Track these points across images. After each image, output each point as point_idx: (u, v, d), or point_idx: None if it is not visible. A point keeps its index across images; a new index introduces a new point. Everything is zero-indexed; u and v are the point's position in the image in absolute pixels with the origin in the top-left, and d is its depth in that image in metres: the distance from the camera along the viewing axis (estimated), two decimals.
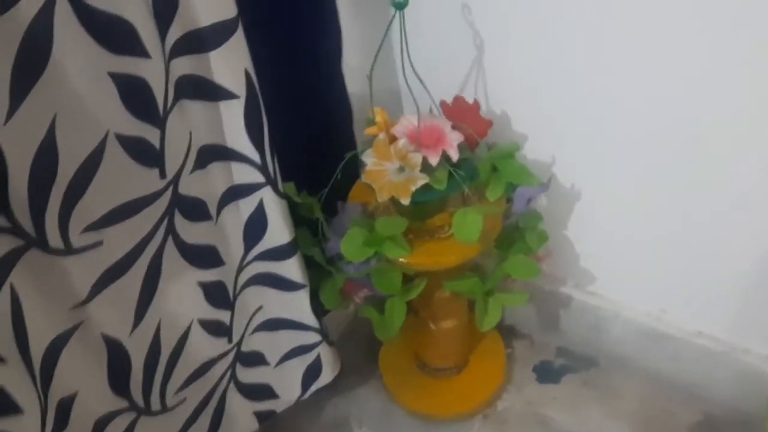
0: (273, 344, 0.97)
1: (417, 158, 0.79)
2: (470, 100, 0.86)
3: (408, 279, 0.91)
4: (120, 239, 0.68)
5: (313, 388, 1.04)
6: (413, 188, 0.80)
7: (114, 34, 0.56)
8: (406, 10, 0.71)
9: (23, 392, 0.61)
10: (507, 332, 1.24)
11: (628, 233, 0.98)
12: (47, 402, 0.64)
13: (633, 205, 0.95)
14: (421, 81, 0.79)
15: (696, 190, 0.88)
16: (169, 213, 0.71)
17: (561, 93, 0.89)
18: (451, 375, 1.16)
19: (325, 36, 0.93)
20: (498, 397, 1.15)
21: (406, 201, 0.80)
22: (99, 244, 0.66)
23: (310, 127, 0.97)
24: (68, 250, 0.63)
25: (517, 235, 0.91)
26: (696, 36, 0.75)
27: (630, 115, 0.86)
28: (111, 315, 0.70)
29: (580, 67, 0.85)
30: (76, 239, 0.63)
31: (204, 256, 0.79)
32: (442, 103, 0.87)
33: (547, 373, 1.18)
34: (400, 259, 0.85)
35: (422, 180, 0.79)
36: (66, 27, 0.53)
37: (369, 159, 0.81)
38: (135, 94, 0.61)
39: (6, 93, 0.51)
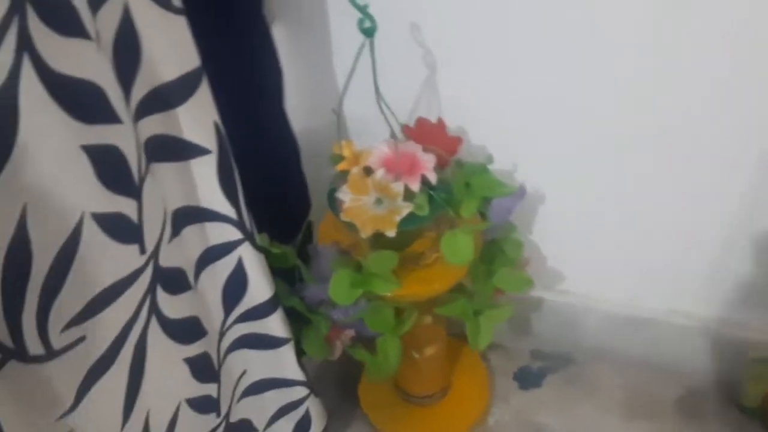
0: (260, 408, 0.91)
1: (398, 187, 0.75)
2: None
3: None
4: (103, 329, 0.59)
5: None
6: (398, 219, 0.76)
7: (85, 102, 0.49)
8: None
9: None
10: None
11: (592, 228, 1.00)
12: None
13: (594, 200, 0.96)
14: (388, 107, 0.76)
15: (652, 180, 0.91)
16: (151, 291, 0.64)
17: (513, 101, 0.89)
18: (437, 400, 1.13)
19: (269, 76, 0.88)
20: (487, 412, 1.13)
21: (392, 233, 0.77)
22: (82, 339, 0.57)
23: (263, 173, 0.91)
24: (50, 354, 0.54)
25: (495, 248, 0.90)
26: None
27: (580, 116, 0.87)
28: (99, 418, 0.62)
29: (526, 72, 0.85)
30: (57, 340, 0.55)
31: (188, 330, 0.72)
32: (405, 128, 0.85)
33: (528, 379, 1.18)
34: (391, 294, 0.82)
35: (406, 209, 0.76)
36: (33, 101, 0.45)
37: (346, 196, 0.77)
38: (110, 167, 0.54)
39: None
